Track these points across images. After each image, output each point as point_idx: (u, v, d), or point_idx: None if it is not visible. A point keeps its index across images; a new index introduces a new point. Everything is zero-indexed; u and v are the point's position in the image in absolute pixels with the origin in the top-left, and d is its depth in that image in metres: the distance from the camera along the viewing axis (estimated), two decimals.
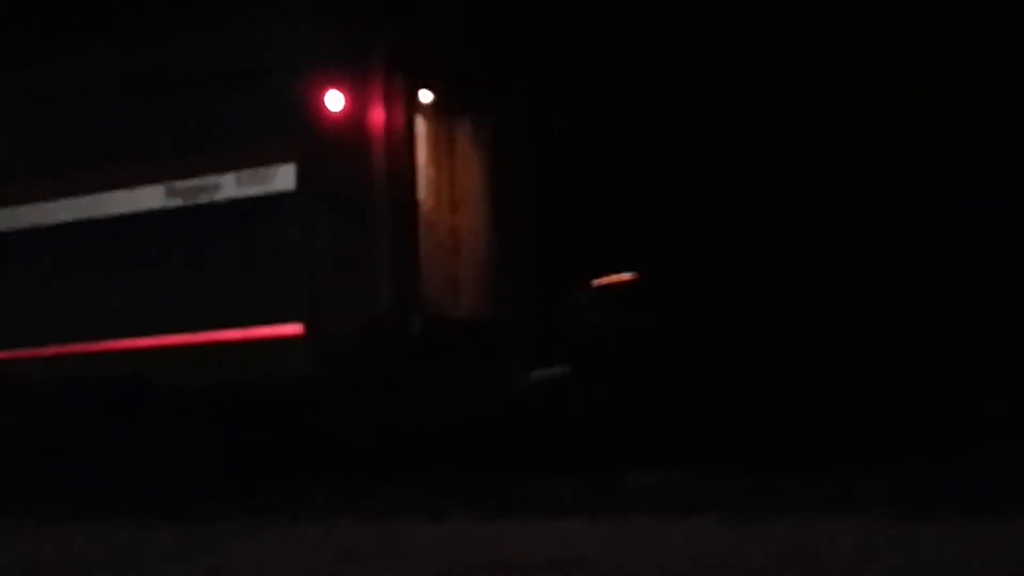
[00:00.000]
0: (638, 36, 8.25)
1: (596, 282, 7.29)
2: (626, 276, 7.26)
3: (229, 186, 6.55)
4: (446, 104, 7.29)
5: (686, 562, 3.68)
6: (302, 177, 6.42)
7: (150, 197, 6.86)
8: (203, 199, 6.64)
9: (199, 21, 6.87)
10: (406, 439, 6.72)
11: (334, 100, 6.55)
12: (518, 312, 7.32)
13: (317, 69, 6.54)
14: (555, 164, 7.60)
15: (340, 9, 6.77)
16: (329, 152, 6.52)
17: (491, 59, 7.55)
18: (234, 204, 6.54)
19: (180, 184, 6.75)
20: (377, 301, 6.55)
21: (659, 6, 8.04)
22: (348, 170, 6.59)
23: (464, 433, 6.67)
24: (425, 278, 6.85)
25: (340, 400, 6.71)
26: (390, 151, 6.66)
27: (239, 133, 6.61)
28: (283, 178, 6.42)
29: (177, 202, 6.76)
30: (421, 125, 7.07)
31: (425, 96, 7.11)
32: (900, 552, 3.59)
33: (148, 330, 6.79)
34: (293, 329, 6.33)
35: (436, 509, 5.26)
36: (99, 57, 7.34)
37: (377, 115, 6.68)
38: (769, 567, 3.50)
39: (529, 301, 7.37)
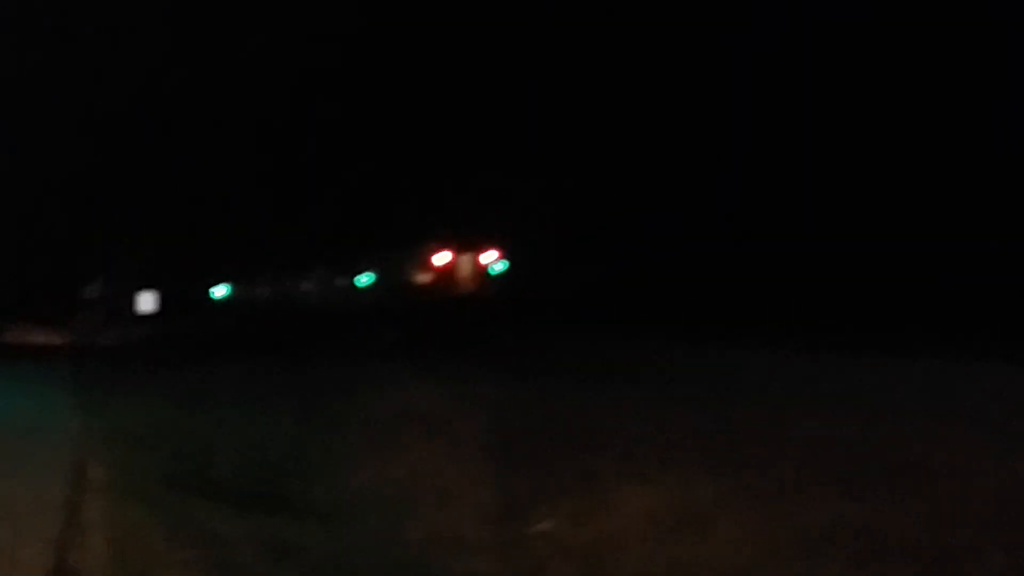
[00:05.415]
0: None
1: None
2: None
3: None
4: (468, 251, 34.35)
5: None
6: (435, 278, 34.21)
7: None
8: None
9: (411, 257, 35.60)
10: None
11: (442, 258, 34.08)
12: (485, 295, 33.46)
13: (434, 251, 34.30)
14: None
15: (440, 242, 34.59)
16: (440, 271, 34.07)
17: (482, 232, 34.40)
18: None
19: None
20: (449, 292, 33.52)
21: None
22: (445, 274, 34.02)
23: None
24: (459, 288, 33.60)
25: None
26: (454, 268, 33.96)
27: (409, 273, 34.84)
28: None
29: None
30: (462, 258, 34.15)
31: (464, 252, 34.28)
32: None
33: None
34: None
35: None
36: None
37: (451, 260, 34.00)
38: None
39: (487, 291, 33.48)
